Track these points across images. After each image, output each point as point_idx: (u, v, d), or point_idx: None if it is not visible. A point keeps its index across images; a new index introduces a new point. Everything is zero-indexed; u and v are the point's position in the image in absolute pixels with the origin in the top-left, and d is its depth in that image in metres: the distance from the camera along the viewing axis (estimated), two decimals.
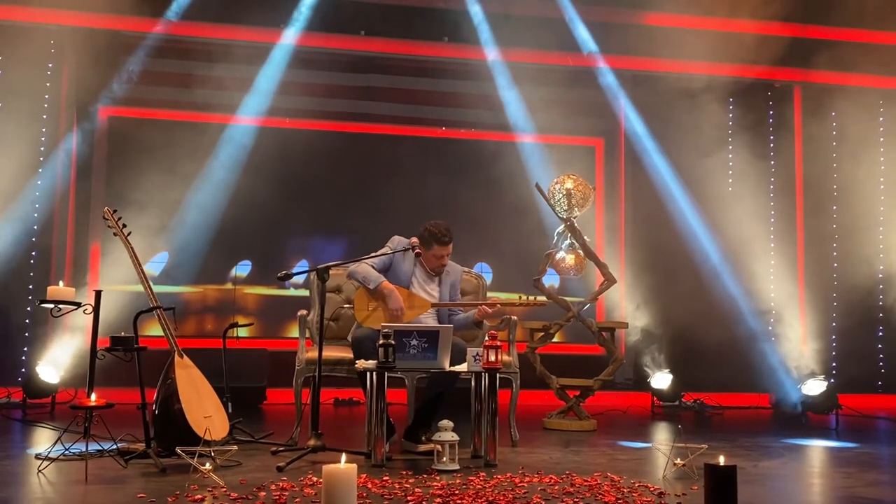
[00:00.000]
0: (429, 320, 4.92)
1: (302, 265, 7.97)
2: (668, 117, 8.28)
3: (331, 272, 4.67)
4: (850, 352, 8.48)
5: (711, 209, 8.35)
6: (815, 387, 7.18)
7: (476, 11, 8.34)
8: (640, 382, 7.97)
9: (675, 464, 4.01)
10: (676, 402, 7.56)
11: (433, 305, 4.92)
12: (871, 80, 8.63)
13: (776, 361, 7.95)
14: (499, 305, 4.89)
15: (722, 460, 2.98)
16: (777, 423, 6.96)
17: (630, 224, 8.70)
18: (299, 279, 8.03)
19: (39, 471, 3.85)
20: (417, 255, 4.88)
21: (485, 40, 8.36)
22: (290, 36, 8.10)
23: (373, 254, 4.90)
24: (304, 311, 5.11)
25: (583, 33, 8.48)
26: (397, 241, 4.98)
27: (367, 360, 4.39)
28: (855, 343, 8.52)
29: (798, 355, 8.00)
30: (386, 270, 4.91)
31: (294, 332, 5.18)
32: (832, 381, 7.53)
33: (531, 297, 4.93)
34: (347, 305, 5.16)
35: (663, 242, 8.24)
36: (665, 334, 8.05)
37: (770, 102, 8.89)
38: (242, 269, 8.12)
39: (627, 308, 8.27)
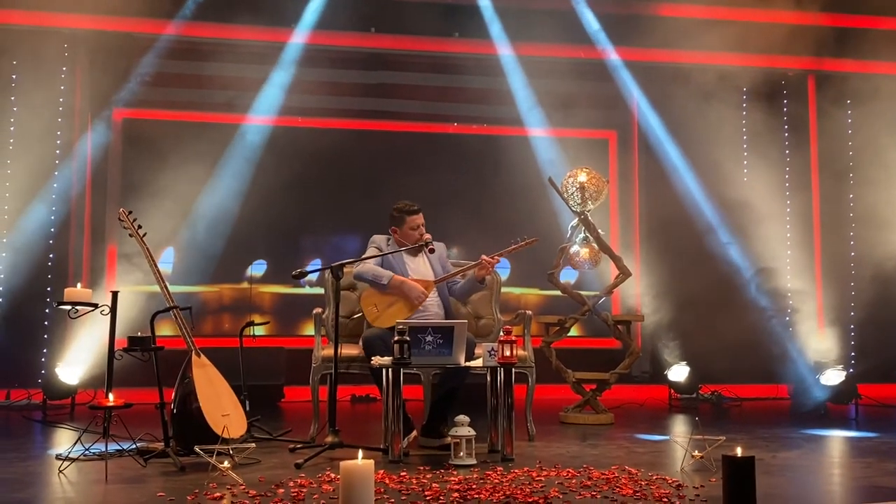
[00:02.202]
0: (432, 304, 4.93)
1: (315, 264, 7.99)
2: (682, 108, 8.22)
3: (345, 270, 4.70)
4: (870, 341, 8.42)
5: (726, 200, 8.30)
6: (834, 377, 7.13)
7: (486, 6, 8.32)
8: (657, 375, 7.95)
9: (692, 456, 3.99)
10: (694, 395, 7.53)
11: (436, 282, 4.93)
12: (887, 66, 8.54)
13: (794, 352, 7.90)
14: (495, 257, 4.89)
15: (739, 452, 2.97)
16: (795, 413, 6.92)
17: (644, 216, 8.67)
18: (314, 277, 8.05)
19: (60, 471, 3.89)
20: (430, 248, 4.91)
21: (496, 35, 8.34)
22: (300, 34, 8.11)
23: (364, 256, 4.93)
24: (320, 309, 5.13)
25: (594, 25, 8.45)
26: (379, 241, 5.02)
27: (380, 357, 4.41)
28: (874, 332, 8.45)
29: (816, 345, 7.95)
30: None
31: (310, 329, 5.20)
32: (851, 370, 7.48)
33: (522, 239, 4.93)
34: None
35: (678, 234, 8.21)
36: (681, 326, 8.02)
37: (784, 91, 8.84)
38: (258, 268, 8.16)
39: (643, 301, 8.24)
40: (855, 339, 8.48)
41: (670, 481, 3.64)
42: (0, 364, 7.23)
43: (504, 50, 8.37)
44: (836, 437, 5.45)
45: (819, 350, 7.85)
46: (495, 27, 8.33)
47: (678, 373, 7.53)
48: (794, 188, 8.69)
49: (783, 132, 8.77)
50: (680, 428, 5.96)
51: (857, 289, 8.51)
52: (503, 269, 8.02)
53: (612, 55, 8.52)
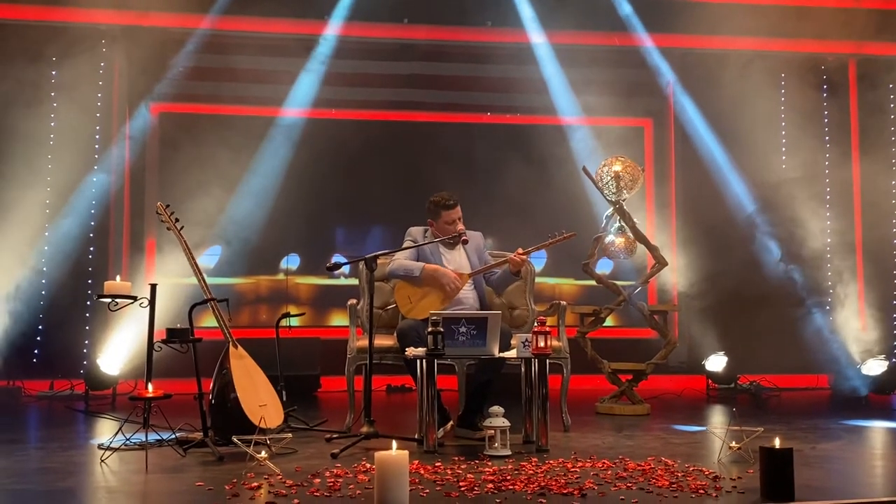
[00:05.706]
0: (468, 297, 4.93)
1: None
2: (719, 95, 8.11)
3: (379, 261, 4.72)
4: None
5: (764, 188, 8.19)
6: (876, 366, 7.01)
7: None
8: (695, 365, 7.87)
9: (730, 447, 3.96)
10: (732, 385, 7.45)
11: (470, 275, 4.93)
12: None
13: (835, 341, 7.78)
14: (530, 251, 4.86)
15: (778, 443, 2.94)
16: (836, 404, 6.81)
17: (681, 205, 8.58)
18: (347, 270, 8.08)
19: (102, 460, 3.96)
20: (462, 238, 4.91)
21: (528, 23, 8.29)
22: (333, 26, 8.14)
23: (398, 249, 4.94)
24: (354, 301, 5.16)
25: (627, 11, 8.35)
26: (415, 233, 5.03)
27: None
28: None
29: (858, 334, 7.81)
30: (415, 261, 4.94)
31: (345, 320, 5.24)
32: (894, 360, 7.35)
33: (559, 233, 4.89)
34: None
35: (715, 222, 8.11)
36: (719, 316, 7.93)
37: (824, 77, 8.66)
38: (291, 262, 8.21)
39: (679, 290, 8.15)
40: None
41: (707, 473, 3.61)
42: (44, 355, 7.41)
43: (537, 38, 8.32)
44: (878, 428, 5.35)
45: (860, 339, 7.72)
46: (528, 15, 8.28)
47: (716, 363, 7.45)
48: (834, 175, 8.53)
49: (823, 118, 8.61)
50: (717, 419, 5.91)
51: None
52: (537, 260, 7.99)
53: (647, 42, 8.42)
